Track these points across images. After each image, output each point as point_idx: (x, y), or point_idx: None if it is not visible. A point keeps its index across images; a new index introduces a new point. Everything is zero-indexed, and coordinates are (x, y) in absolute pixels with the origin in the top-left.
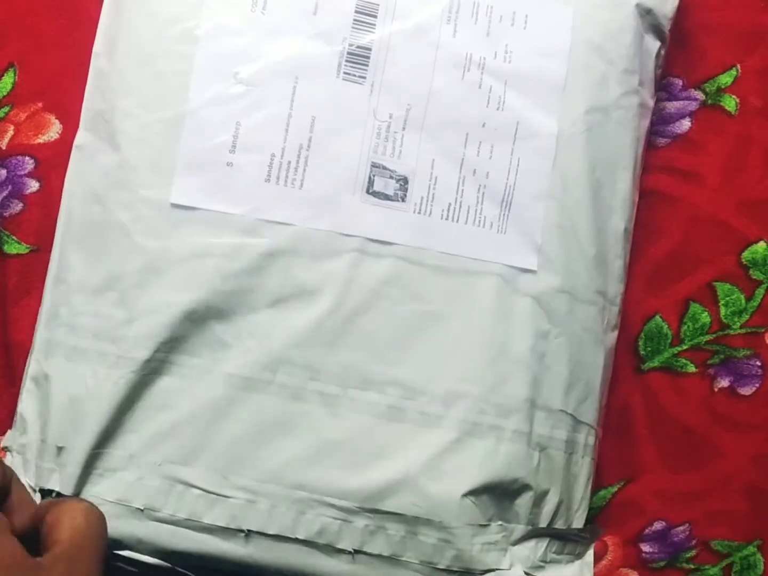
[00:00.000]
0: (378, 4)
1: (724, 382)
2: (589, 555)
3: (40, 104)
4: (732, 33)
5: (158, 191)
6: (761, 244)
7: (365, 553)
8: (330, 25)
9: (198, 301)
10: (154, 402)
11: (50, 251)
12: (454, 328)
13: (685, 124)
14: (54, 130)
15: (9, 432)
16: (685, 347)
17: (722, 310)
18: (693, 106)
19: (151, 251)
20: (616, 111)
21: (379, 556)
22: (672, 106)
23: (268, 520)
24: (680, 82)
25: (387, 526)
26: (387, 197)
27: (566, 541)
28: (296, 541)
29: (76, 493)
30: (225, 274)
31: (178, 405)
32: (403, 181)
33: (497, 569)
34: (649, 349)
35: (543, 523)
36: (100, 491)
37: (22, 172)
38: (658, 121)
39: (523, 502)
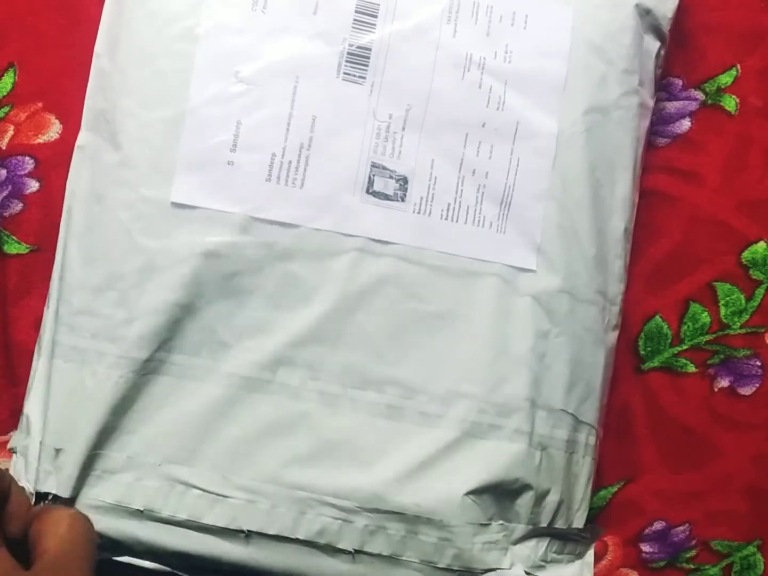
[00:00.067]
0: (378, 4)
1: (724, 382)
2: (590, 555)
3: (40, 104)
4: (732, 33)
5: (159, 190)
6: (761, 244)
7: (365, 553)
8: (330, 25)
9: (198, 300)
10: (154, 402)
11: (50, 251)
12: (454, 328)
13: (685, 124)
14: (54, 130)
15: (15, 433)
16: (685, 347)
17: (722, 310)
18: (693, 106)
19: (151, 250)
20: (616, 111)
21: (379, 556)
22: (672, 106)
23: (269, 520)
24: (680, 82)
25: (387, 526)
26: (387, 197)
27: (567, 540)
28: (296, 541)
29: (74, 496)
30: (225, 273)
31: (177, 405)
32: (403, 181)
33: (498, 568)
34: (649, 349)
35: (544, 523)
36: (98, 493)
37: (22, 172)
38: (658, 121)
39: (524, 501)
